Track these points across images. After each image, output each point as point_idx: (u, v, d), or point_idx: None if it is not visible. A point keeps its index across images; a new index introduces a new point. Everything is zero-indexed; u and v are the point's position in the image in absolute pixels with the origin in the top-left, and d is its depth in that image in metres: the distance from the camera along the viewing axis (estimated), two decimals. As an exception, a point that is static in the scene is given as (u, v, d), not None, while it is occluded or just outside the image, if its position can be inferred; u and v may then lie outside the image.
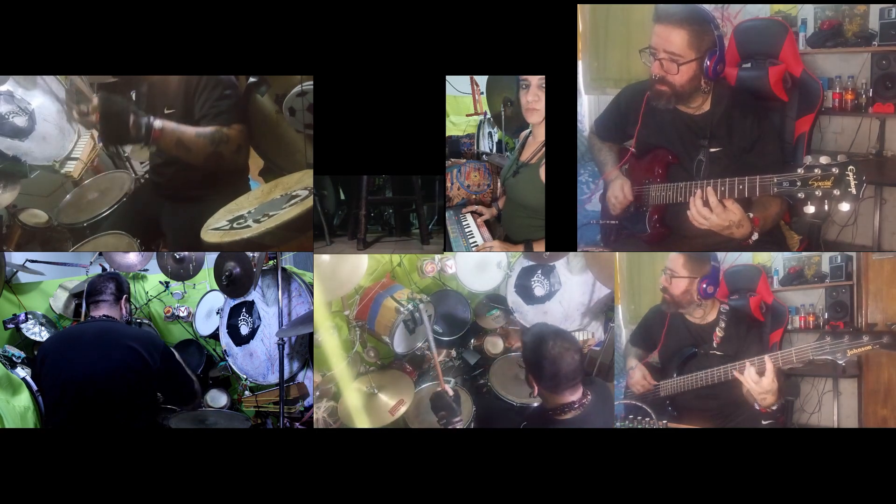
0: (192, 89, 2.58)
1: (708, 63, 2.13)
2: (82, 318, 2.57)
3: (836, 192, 1.92)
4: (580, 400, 2.12)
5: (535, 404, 2.58)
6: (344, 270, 2.75)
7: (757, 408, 2.36)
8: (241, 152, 2.68)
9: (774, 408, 2.34)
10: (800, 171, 1.97)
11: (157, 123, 2.49)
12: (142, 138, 2.50)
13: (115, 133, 2.55)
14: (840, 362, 2.21)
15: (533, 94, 2.44)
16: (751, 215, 2.13)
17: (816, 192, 1.95)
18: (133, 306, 2.88)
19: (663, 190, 2.32)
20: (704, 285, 2.46)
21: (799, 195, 1.98)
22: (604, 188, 2.55)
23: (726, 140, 2.23)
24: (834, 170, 1.93)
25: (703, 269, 2.46)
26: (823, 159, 1.95)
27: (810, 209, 1.97)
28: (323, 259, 2.69)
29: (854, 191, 1.91)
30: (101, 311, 2.57)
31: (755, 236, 2.16)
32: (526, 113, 2.50)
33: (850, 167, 1.91)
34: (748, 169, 2.16)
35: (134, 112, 2.47)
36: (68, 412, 2.41)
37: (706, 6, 2.25)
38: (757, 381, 2.30)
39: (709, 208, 2.12)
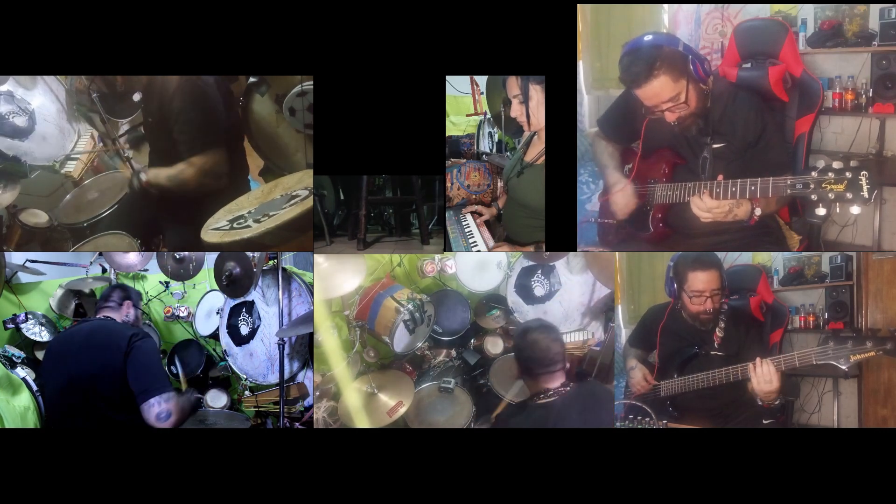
0: (168, 107, 2.61)
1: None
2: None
3: (849, 195, 1.96)
4: (558, 388, 2.22)
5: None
6: (344, 270, 2.75)
7: (759, 403, 2.37)
8: (223, 180, 2.71)
9: (777, 402, 2.36)
10: (813, 173, 2.01)
11: (143, 176, 2.73)
12: (137, 187, 2.74)
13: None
14: (843, 367, 2.22)
15: (516, 110, 2.47)
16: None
17: (829, 195, 1.98)
18: (143, 312, 2.86)
19: (669, 189, 2.32)
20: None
21: (812, 197, 2.01)
22: (604, 189, 2.55)
23: (730, 135, 2.23)
24: (847, 174, 1.96)
25: (723, 277, 2.49)
26: (836, 164, 1.98)
27: (821, 211, 2.01)
28: (323, 259, 2.69)
29: (866, 195, 1.95)
30: (103, 313, 2.58)
31: (758, 211, 2.18)
32: (521, 125, 2.52)
33: (864, 172, 1.95)
34: (754, 164, 2.17)
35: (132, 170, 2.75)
36: (64, 412, 2.41)
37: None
38: (769, 380, 2.30)
39: (708, 202, 2.16)
